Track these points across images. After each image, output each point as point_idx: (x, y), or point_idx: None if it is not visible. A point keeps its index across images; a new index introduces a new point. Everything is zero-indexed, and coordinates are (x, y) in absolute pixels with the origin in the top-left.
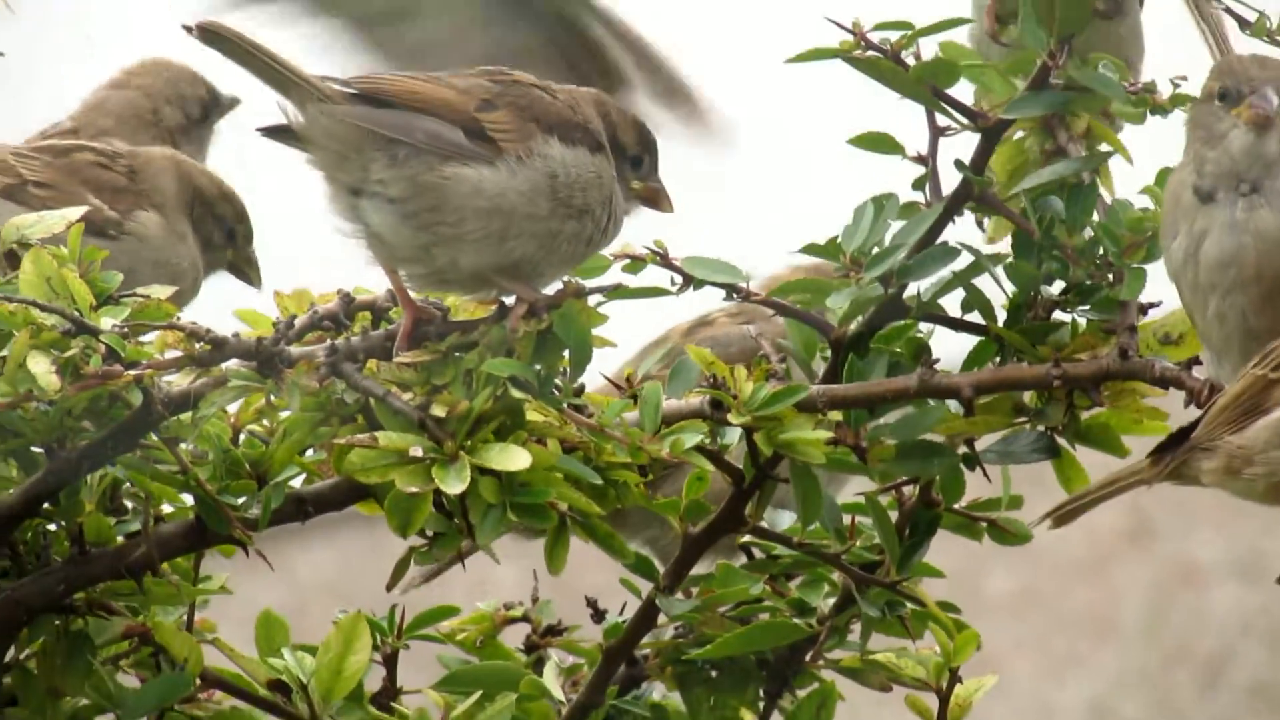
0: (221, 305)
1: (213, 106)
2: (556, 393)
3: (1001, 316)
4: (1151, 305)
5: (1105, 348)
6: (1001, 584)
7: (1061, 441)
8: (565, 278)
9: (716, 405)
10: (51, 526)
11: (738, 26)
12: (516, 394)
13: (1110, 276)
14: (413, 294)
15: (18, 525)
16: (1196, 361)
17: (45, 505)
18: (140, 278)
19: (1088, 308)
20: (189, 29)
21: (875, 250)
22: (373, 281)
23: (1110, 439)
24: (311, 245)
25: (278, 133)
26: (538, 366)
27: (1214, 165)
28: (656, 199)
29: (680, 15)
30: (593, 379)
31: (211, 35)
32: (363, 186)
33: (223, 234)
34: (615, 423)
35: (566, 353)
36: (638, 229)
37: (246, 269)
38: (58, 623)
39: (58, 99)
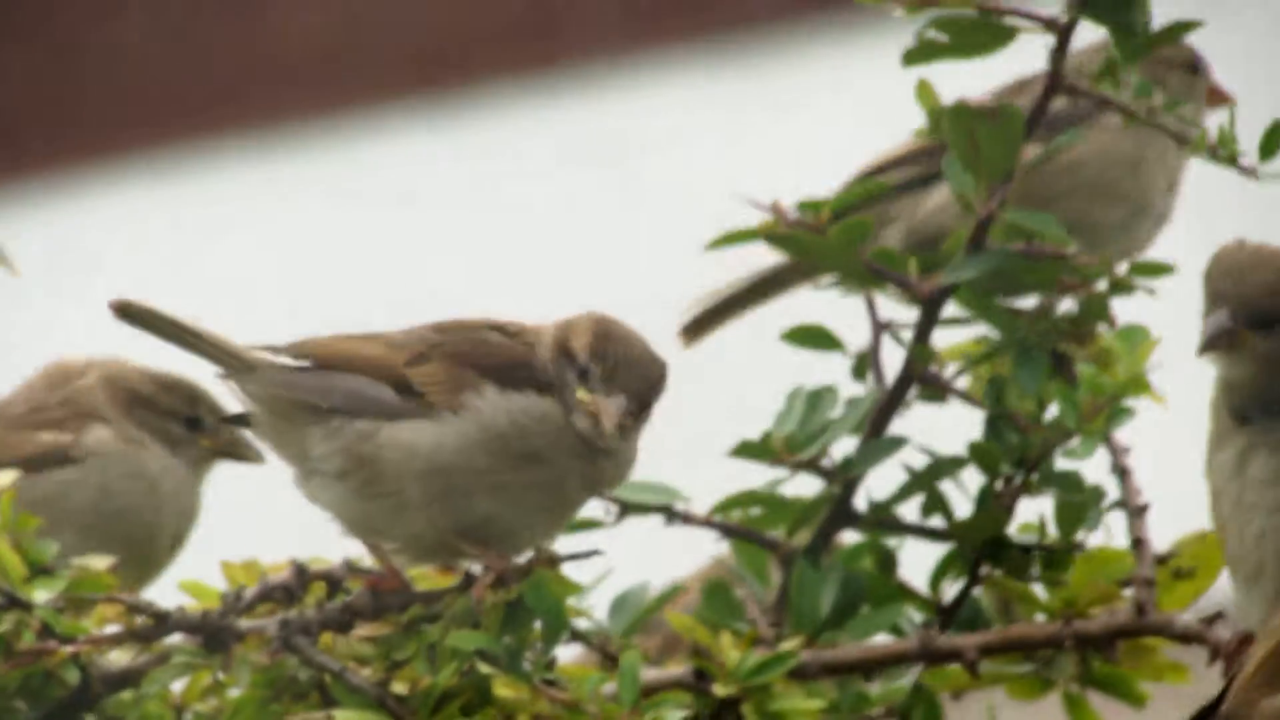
0: (165, 578)
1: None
2: (528, 666)
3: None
4: (1170, 556)
5: (1120, 601)
6: None
7: (1074, 690)
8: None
9: (700, 675)
10: None
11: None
12: (484, 669)
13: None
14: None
15: None
16: (1218, 616)
17: None
18: (117, 492)
19: (1054, 489)
20: (111, 307)
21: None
22: (328, 550)
23: (1128, 688)
24: (265, 514)
25: (242, 420)
26: (506, 639)
27: (1231, 392)
28: (595, 417)
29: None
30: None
31: (128, 313)
32: (308, 465)
33: (181, 426)
34: (591, 696)
35: (538, 624)
36: None
37: (235, 451)
38: None
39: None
